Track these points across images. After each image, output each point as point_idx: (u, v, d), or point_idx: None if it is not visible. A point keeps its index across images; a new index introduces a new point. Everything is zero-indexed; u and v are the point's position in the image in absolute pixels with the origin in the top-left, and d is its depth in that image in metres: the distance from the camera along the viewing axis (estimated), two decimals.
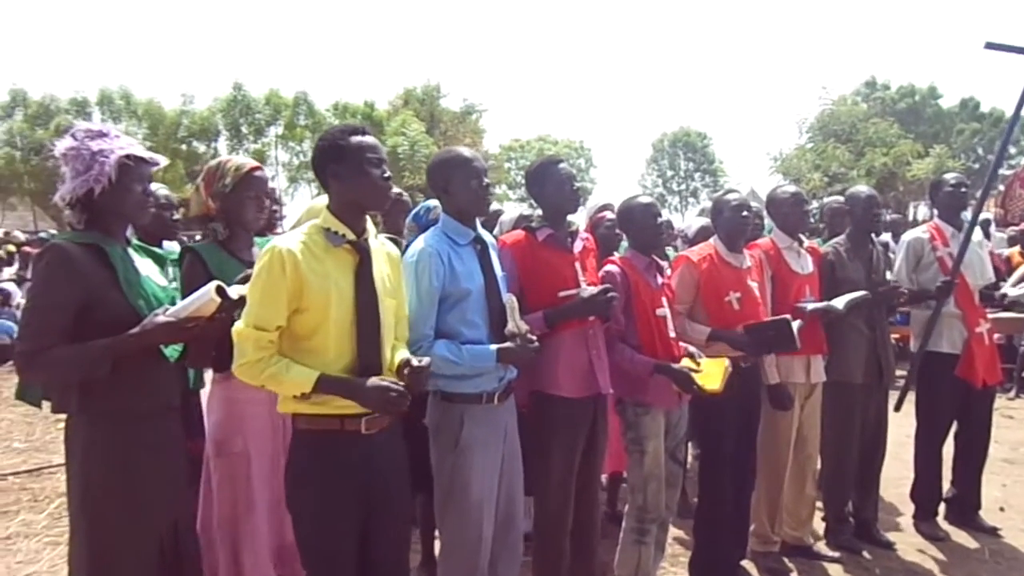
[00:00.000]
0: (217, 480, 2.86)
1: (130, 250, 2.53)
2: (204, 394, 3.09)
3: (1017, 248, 9.47)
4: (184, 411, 2.72)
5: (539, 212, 3.46)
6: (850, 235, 4.47)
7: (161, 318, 2.32)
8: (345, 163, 2.43)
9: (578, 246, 3.36)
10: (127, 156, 2.39)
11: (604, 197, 5.14)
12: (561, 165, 3.37)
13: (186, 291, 2.75)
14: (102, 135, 2.40)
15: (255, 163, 3.04)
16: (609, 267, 3.50)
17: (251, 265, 2.84)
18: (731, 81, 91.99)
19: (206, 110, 31.08)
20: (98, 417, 2.38)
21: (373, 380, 2.37)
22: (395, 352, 2.59)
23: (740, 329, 3.71)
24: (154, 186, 3.45)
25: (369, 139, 2.47)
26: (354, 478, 2.42)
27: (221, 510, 2.85)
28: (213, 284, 2.36)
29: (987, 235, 8.59)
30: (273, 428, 2.85)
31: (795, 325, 3.67)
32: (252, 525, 2.82)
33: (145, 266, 2.56)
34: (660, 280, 3.59)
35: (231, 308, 2.43)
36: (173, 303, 2.47)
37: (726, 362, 3.48)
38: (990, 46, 4.56)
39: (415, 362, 2.46)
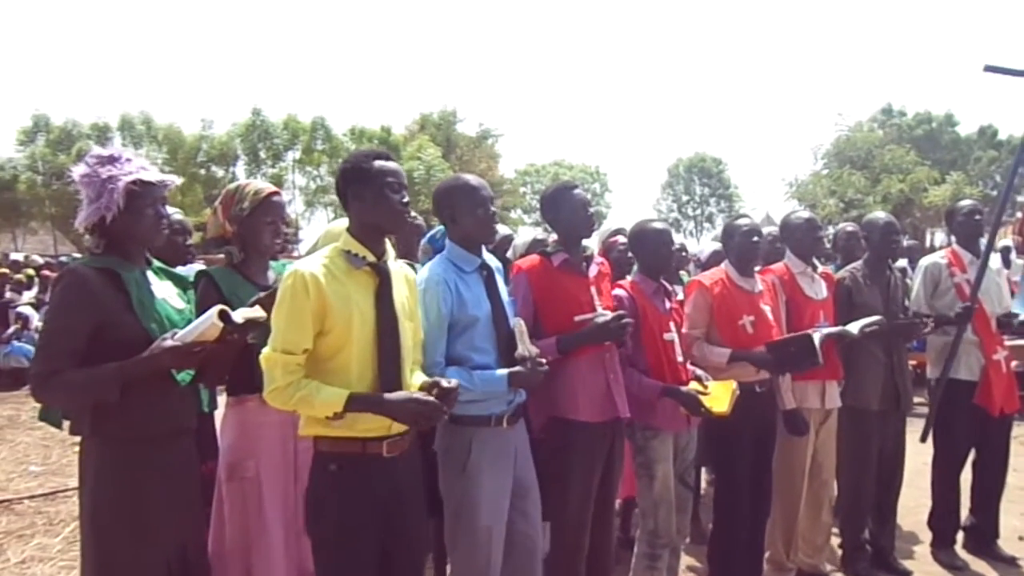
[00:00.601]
0: (229, 505, 2.86)
1: (149, 272, 2.55)
2: (218, 416, 3.11)
3: None
4: (197, 433, 2.74)
5: (554, 236, 3.48)
6: (867, 261, 4.46)
7: (168, 342, 2.33)
8: (367, 186, 2.47)
9: (593, 270, 3.37)
10: (134, 182, 2.40)
11: (618, 222, 5.17)
12: (576, 190, 3.39)
13: (199, 315, 2.79)
14: (112, 160, 2.43)
15: (274, 188, 3.06)
16: (617, 291, 3.51)
17: (265, 289, 2.87)
18: (747, 107, 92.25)
19: (225, 135, 31.40)
20: (110, 440, 2.39)
21: (403, 393, 2.41)
22: (412, 376, 2.61)
23: (762, 348, 3.72)
24: (169, 211, 3.50)
25: (391, 164, 2.53)
26: (375, 501, 2.45)
27: (233, 535, 2.84)
28: (216, 309, 2.37)
29: (1007, 263, 8.53)
30: (284, 453, 2.85)
31: (817, 338, 3.67)
32: (265, 551, 2.81)
33: (163, 289, 2.58)
34: (668, 304, 3.60)
35: (242, 331, 2.44)
36: (187, 325, 2.50)
37: (734, 385, 3.48)
38: (990, 69, 4.57)
39: (444, 383, 2.49)
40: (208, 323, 2.35)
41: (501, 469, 2.93)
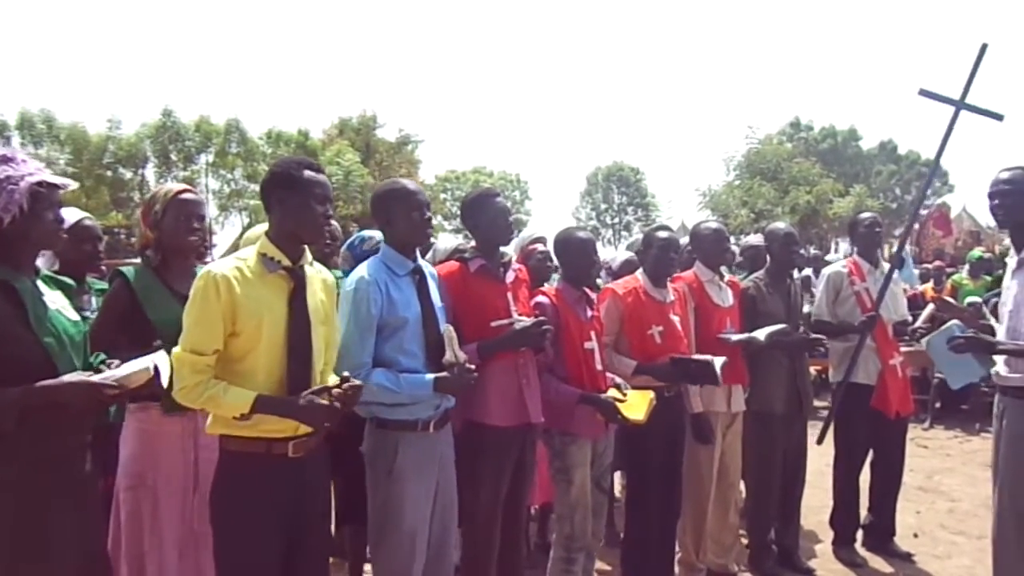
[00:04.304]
0: (124, 513, 2.82)
1: (39, 282, 2.38)
2: None
3: (930, 284, 9.89)
4: (104, 446, 2.65)
5: (473, 243, 3.51)
6: (769, 270, 4.63)
7: (79, 377, 2.20)
8: (293, 194, 2.51)
9: (510, 276, 3.41)
10: (39, 183, 2.27)
11: (538, 229, 5.22)
12: (497, 198, 3.43)
13: (105, 313, 2.79)
14: (7, 160, 2.26)
15: (184, 186, 3.05)
16: (540, 298, 3.56)
17: (184, 298, 2.83)
18: (663, 118, 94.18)
19: (133, 136, 30.10)
20: (2, 460, 2.18)
21: (306, 397, 2.43)
22: (324, 377, 2.63)
23: (666, 360, 3.81)
24: (78, 215, 3.39)
25: (321, 176, 2.58)
26: (280, 500, 2.46)
27: (128, 544, 2.81)
28: (153, 362, 2.31)
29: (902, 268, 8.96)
30: (185, 463, 2.83)
31: (718, 364, 3.77)
32: (160, 562, 2.78)
33: (55, 299, 2.40)
34: (590, 313, 3.66)
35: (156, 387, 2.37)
36: (84, 338, 2.39)
37: (651, 394, 3.57)
38: (924, 93, 4.74)
39: (351, 379, 2.51)
40: (140, 367, 2.28)
41: (426, 474, 2.96)
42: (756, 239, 5.42)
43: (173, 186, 3.03)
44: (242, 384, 2.40)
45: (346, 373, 2.54)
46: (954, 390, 8.44)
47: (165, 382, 2.38)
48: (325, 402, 2.42)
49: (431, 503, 2.98)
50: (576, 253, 3.66)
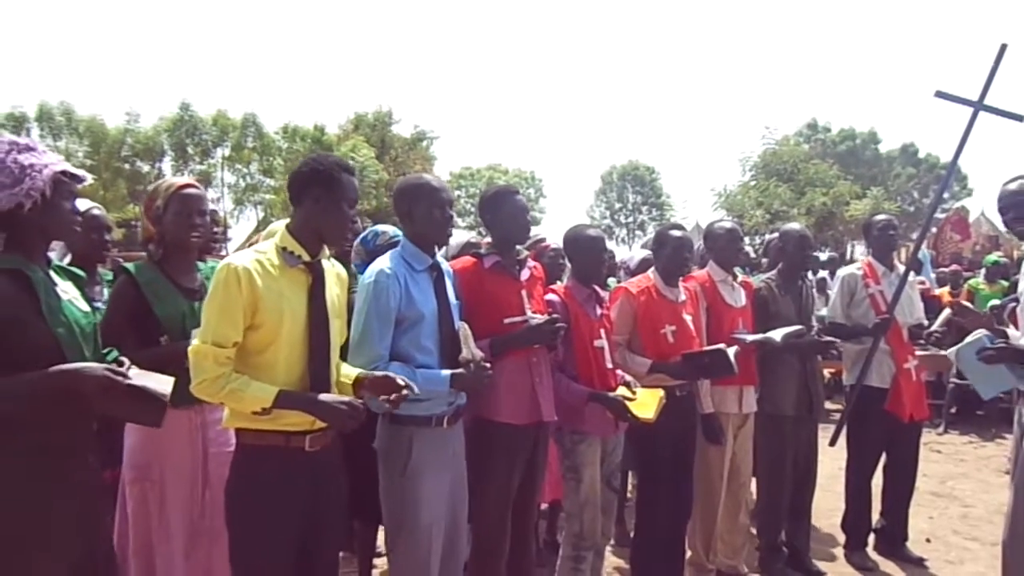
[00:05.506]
0: (131, 508, 2.82)
1: (51, 272, 2.36)
2: None
3: (947, 288, 9.82)
4: (109, 438, 2.64)
5: (488, 239, 3.51)
6: (782, 271, 4.60)
7: (99, 367, 2.14)
8: (329, 193, 2.53)
9: (525, 274, 3.40)
10: (63, 171, 2.27)
11: (552, 227, 5.22)
12: (517, 196, 3.43)
13: (113, 310, 2.79)
14: (30, 149, 2.26)
15: (187, 181, 3.04)
16: (550, 296, 3.55)
17: (188, 292, 2.85)
18: (679, 117, 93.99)
19: (151, 129, 30.27)
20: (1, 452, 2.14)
21: (330, 396, 2.46)
22: (338, 370, 2.65)
23: (678, 358, 3.80)
24: (87, 205, 3.39)
25: (355, 181, 2.62)
26: (297, 493, 2.47)
27: (135, 538, 2.81)
28: (168, 392, 2.26)
29: (918, 269, 8.89)
30: (192, 457, 2.83)
31: (731, 352, 3.76)
32: (167, 555, 2.78)
33: (66, 289, 2.38)
34: (599, 311, 3.65)
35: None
36: (94, 328, 2.36)
37: (661, 393, 3.56)
38: (940, 95, 4.69)
39: (400, 380, 2.52)
40: (158, 390, 2.23)
41: (440, 469, 2.96)
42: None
43: (175, 180, 3.01)
44: (262, 378, 2.40)
45: (398, 378, 2.53)
46: (968, 396, 8.44)
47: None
48: (346, 400, 2.44)
49: (446, 497, 2.99)
50: (586, 251, 3.65)
